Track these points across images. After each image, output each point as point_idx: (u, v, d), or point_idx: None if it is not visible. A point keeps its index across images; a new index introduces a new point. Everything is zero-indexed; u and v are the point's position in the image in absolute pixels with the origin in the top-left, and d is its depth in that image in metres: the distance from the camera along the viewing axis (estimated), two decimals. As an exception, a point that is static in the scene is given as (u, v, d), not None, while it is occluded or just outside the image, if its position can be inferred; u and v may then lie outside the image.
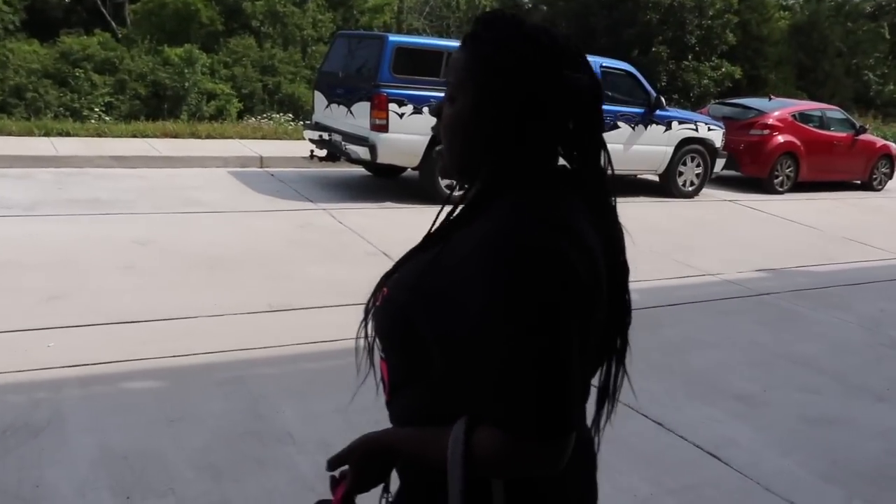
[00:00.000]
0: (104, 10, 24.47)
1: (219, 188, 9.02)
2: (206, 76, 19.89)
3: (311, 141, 9.75)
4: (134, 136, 11.11)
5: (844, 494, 3.58)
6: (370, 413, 3.72)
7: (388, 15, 27.99)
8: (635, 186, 11.34)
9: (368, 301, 1.35)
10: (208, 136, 11.55)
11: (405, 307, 1.24)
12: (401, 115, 8.61)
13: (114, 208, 7.66)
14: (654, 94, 10.54)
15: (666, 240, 8.38)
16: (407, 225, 8.05)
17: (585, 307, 1.16)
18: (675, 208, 10.48)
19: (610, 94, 10.10)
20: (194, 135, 11.53)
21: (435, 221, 1.30)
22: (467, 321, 1.13)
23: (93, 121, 15.67)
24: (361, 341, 1.36)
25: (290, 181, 9.72)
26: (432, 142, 8.73)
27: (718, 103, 14.19)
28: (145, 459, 3.35)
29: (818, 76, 29.85)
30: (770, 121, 12.26)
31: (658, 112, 10.52)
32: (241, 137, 11.85)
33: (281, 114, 18.18)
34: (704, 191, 11.37)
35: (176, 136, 11.31)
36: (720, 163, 11.35)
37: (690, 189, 11.14)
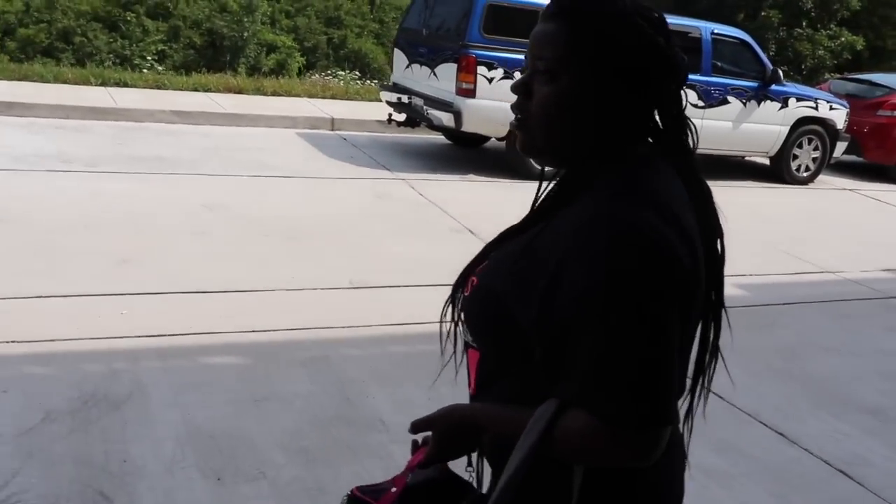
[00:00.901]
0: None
1: (288, 151, 9.21)
2: (266, 26, 20.09)
3: (389, 104, 9.87)
4: (195, 89, 11.39)
5: None
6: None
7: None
8: (742, 170, 11.22)
9: (455, 289, 1.44)
10: (274, 93, 11.78)
11: (501, 295, 1.29)
12: (490, 80, 8.67)
13: (179, 167, 7.90)
14: (770, 66, 10.38)
15: (777, 230, 8.32)
16: (492, 200, 8.13)
17: (687, 295, 1.21)
18: (786, 196, 10.35)
19: (720, 64, 10.02)
20: (259, 90, 11.76)
21: (535, 202, 1.38)
22: (567, 306, 1.19)
23: (145, 70, 16.02)
24: (445, 328, 1.45)
25: (365, 147, 9.86)
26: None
27: (841, 78, 13.90)
28: (233, 440, 3.51)
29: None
30: (902, 101, 11.98)
31: (773, 87, 10.36)
32: (310, 96, 12.06)
33: (347, 71, 18.32)
34: (821, 177, 11.19)
35: (240, 92, 11.56)
36: (841, 147, 11.13)
37: (805, 175, 10.97)
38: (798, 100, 10.64)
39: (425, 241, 6.55)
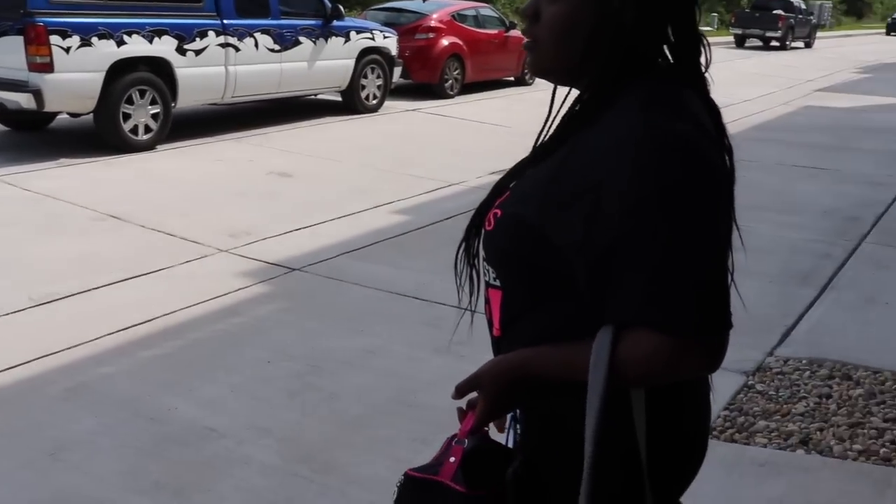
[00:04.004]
0: None
1: None
2: None
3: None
4: None
5: None
6: (273, 383, 3.65)
7: None
8: (315, 107, 11.49)
9: (469, 230, 1.42)
10: None
11: (534, 221, 1.26)
12: (67, 50, 7.80)
13: None
14: (329, 3, 10.69)
15: (385, 156, 8.77)
16: (109, 181, 7.48)
17: (730, 199, 1.27)
18: (369, 124, 10.87)
19: (285, 8, 10.08)
20: None
21: (542, 130, 1.36)
22: (617, 223, 1.17)
23: None
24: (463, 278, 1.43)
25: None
26: (109, 79, 8.11)
27: (375, 9, 14.71)
28: None
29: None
30: (433, 23, 13.11)
31: (336, 23, 10.72)
32: None
33: None
34: (386, 103, 11.89)
35: None
36: (397, 72, 11.94)
37: (374, 103, 11.59)
38: (358, 32, 11.14)
39: (73, 236, 5.84)
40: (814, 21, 32.89)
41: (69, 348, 4.13)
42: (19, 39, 7.73)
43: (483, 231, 1.38)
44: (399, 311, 4.74)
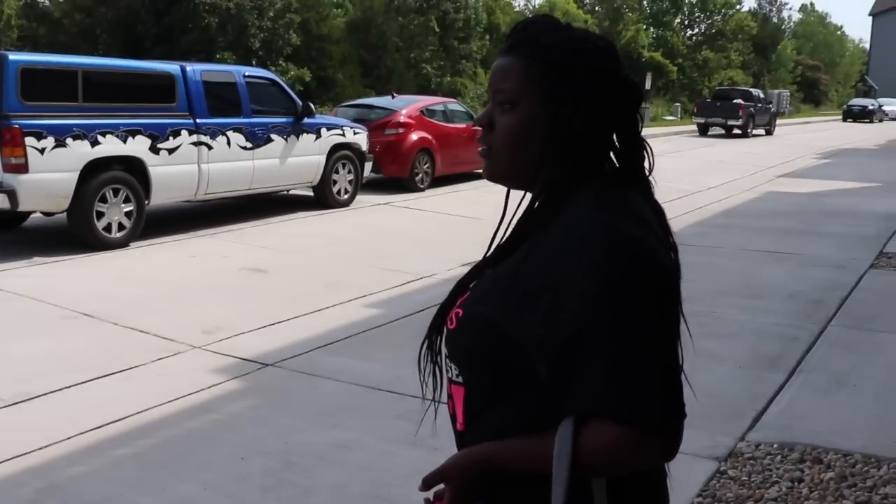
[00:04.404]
0: None
1: None
2: None
3: None
4: None
5: None
6: (248, 481, 3.61)
7: None
8: (288, 202, 11.61)
9: (432, 328, 1.48)
10: None
11: (495, 320, 1.32)
12: (41, 151, 7.89)
13: None
14: (299, 101, 10.91)
15: (362, 251, 8.84)
16: (82, 278, 7.49)
17: (677, 293, 1.34)
18: (341, 218, 10.97)
19: (257, 106, 10.26)
20: None
21: (496, 231, 1.44)
22: (573, 319, 1.23)
23: None
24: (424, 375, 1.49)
25: None
26: (83, 179, 8.19)
27: (345, 106, 14.98)
28: None
29: (381, 72, 32.56)
30: (402, 118, 13.37)
31: (307, 120, 10.91)
32: None
33: None
34: (358, 197, 12.03)
35: None
36: (368, 166, 12.13)
37: (346, 197, 11.73)
38: (328, 129, 11.34)
39: (44, 335, 5.82)
40: (773, 109, 33.85)
41: (40, 448, 4.09)
42: (-6, 141, 7.81)
43: (445, 329, 1.44)
44: (372, 405, 4.74)
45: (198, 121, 9.40)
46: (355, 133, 11.83)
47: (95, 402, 4.71)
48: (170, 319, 6.18)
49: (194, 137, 9.32)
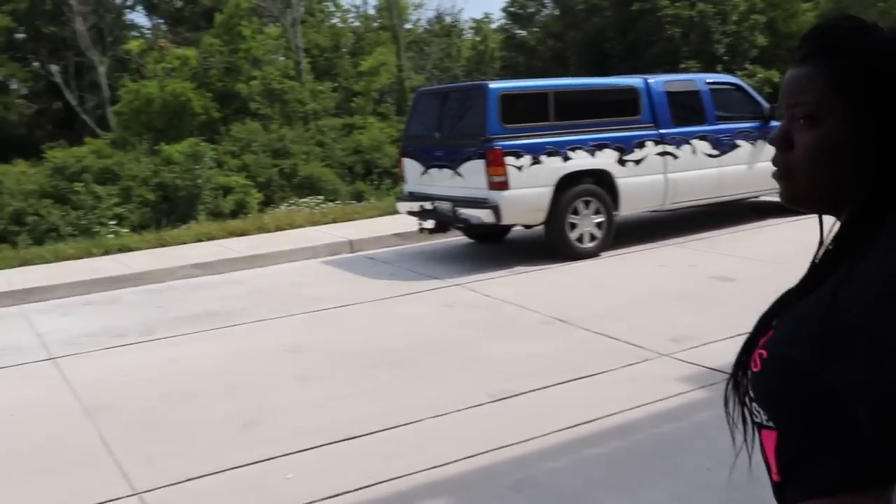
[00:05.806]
0: (85, 117, 24.63)
1: (327, 280, 8.91)
2: (215, 169, 19.88)
3: (412, 213, 9.68)
4: (198, 240, 11.04)
5: None
6: (714, 492, 3.55)
7: (385, 76, 28.23)
8: (758, 209, 11.26)
9: (736, 369, 1.33)
10: (278, 229, 11.49)
11: (805, 362, 1.16)
12: (519, 168, 8.56)
13: (235, 318, 7.52)
14: (766, 104, 10.54)
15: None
16: (557, 286, 7.96)
17: None
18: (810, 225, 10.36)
19: (722, 113, 10.12)
20: (262, 229, 11.47)
21: (814, 260, 1.26)
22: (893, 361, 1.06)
23: (110, 235, 15.61)
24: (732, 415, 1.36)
25: (396, 262, 9.61)
26: (557, 193, 8.70)
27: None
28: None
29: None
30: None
31: (774, 123, 10.49)
32: (312, 224, 11.80)
33: (310, 197, 18.14)
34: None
35: (243, 234, 11.25)
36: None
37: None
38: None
39: (528, 339, 6.30)
40: None
41: (520, 442, 4.44)
42: (480, 163, 8.62)
43: (750, 371, 1.33)
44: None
45: (662, 131, 9.52)
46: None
47: (568, 402, 4.98)
48: (638, 326, 6.33)
49: (659, 148, 9.45)
